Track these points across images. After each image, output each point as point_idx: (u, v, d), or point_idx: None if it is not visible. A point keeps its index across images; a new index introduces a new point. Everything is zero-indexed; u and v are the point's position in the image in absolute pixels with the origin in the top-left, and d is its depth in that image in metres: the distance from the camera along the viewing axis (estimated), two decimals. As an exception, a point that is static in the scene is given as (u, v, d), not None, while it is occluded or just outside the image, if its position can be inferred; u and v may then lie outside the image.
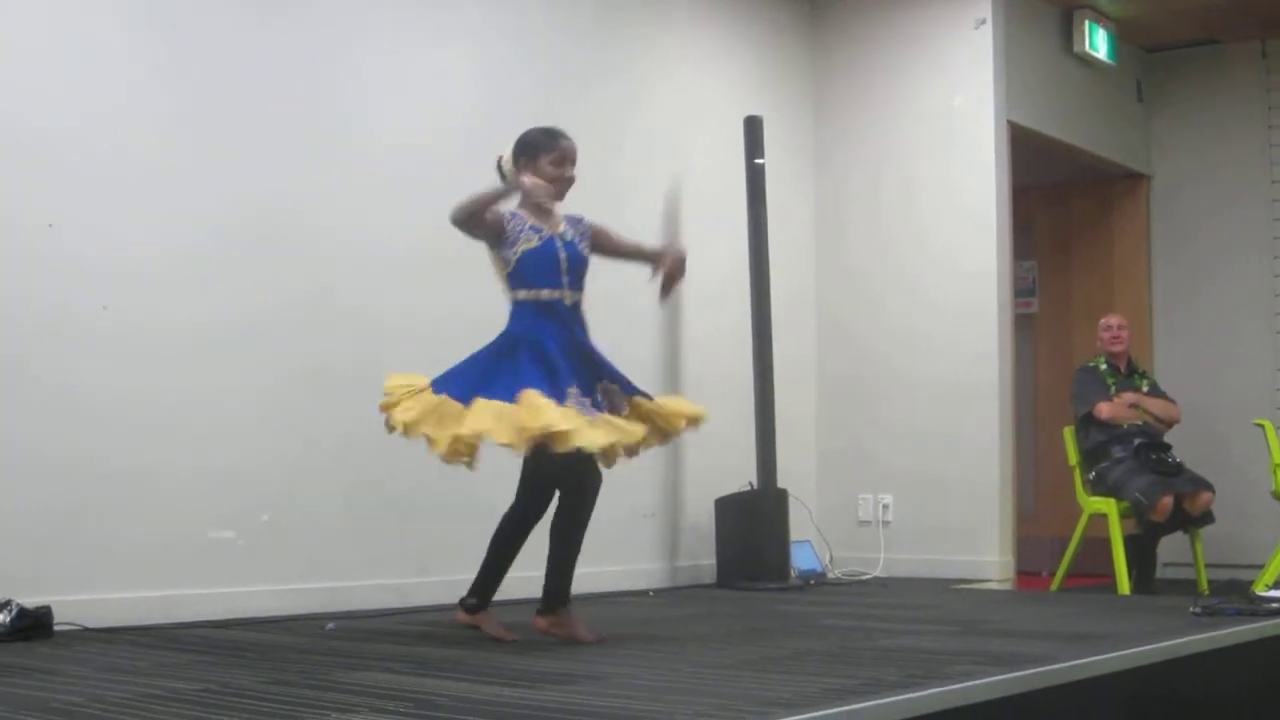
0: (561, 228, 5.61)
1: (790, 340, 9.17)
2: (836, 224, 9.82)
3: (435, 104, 7.24)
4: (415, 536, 6.93)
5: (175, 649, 5.12)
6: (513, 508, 5.67)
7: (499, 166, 5.66)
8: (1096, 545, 8.83)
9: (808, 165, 9.85)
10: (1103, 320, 9.54)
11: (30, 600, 5.35)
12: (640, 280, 8.33)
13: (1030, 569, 9.86)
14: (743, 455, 8.52)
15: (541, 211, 5.58)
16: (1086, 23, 10.10)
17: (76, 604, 5.58)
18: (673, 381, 8.53)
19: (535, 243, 5.50)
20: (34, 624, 5.30)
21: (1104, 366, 9.36)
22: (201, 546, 6.21)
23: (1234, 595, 6.74)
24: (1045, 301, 11.41)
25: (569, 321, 5.51)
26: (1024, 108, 9.62)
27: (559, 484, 5.56)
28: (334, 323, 6.70)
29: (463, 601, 5.69)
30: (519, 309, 5.49)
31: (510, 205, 5.55)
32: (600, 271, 8.08)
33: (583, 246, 5.66)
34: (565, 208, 5.69)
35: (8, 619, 5.24)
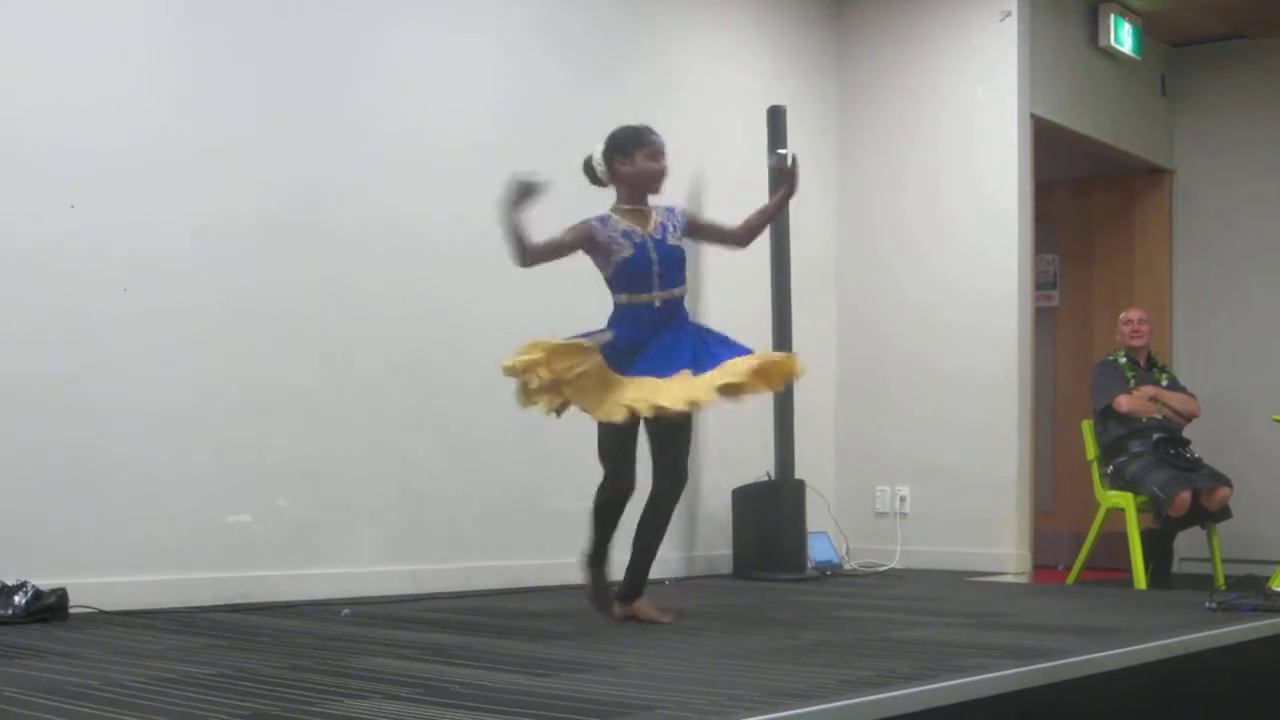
0: (653, 225, 5.71)
1: (810, 331, 9.16)
2: (859, 214, 9.81)
3: (461, 91, 7.24)
4: (430, 524, 6.94)
5: (190, 633, 5.13)
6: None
7: (588, 167, 5.78)
8: (1114, 539, 8.82)
9: (831, 156, 9.84)
10: (1123, 314, 9.52)
11: (46, 583, 5.36)
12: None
13: (1047, 562, 9.85)
14: (760, 446, 8.51)
15: (635, 210, 5.71)
16: (1112, 16, 10.07)
17: (92, 587, 5.60)
18: (691, 371, 8.52)
19: (629, 252, 5.63)
20: (49, 606, 5.31)
21: (1123, 360, 9.33)
22: (218, 530, 6.22)
23: (1250, 591, 6.74)
24: (1066, 295, 11.38)
25: (656, 324, 5.62)
26: (1048, 101, 9.59)
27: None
28: (358, 309, 6.71)
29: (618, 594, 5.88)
30: (615, 310, 5.70)
31: (601, 210, 5.72)
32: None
33: (675, 239, 5.74)
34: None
35: (23, 601, 5.25)
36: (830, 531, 8.97)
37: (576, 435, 5.94)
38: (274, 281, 6.39)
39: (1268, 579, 7.99)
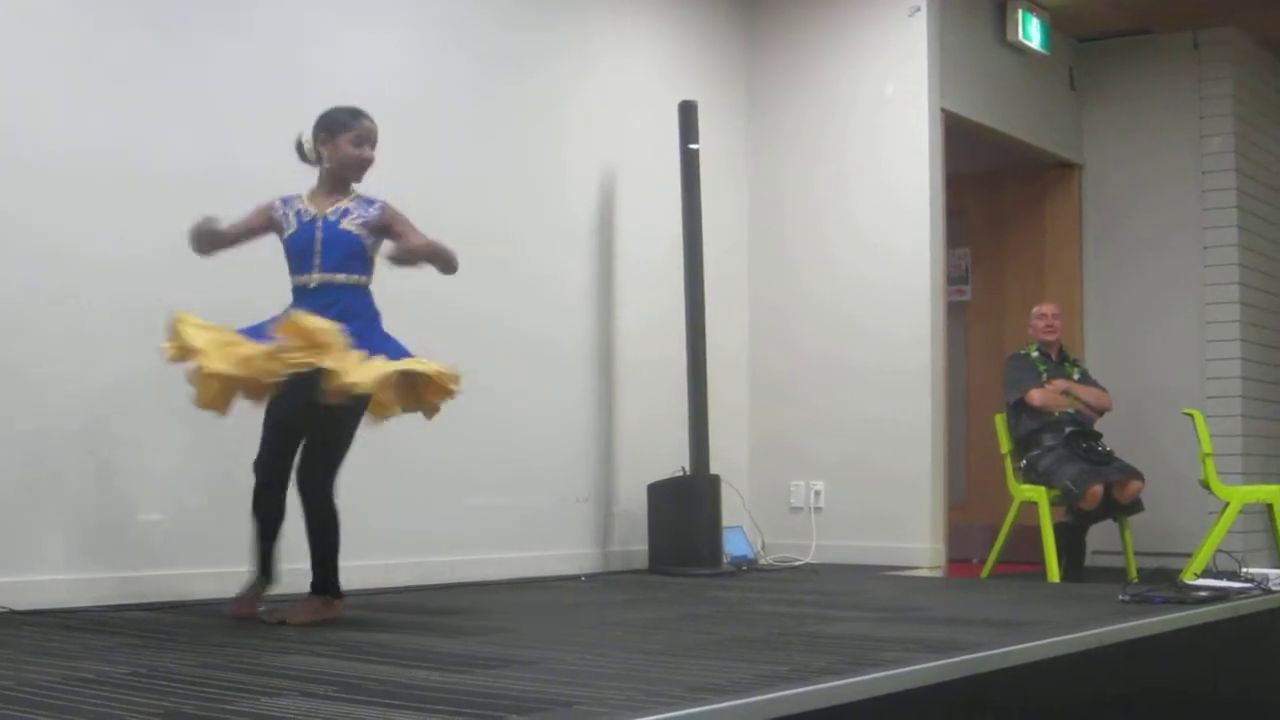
0: (332, 209, 5.54)
1: (723, 326, 9.18)
2: (770, 210, 9.83)
3: (368, 91, 7.18)
4: (348, 520, 6.90)
5: (104, 632, 5.08)
6: None
7: (299, 146, 5.63)
8: (1027, 533, 8.88)
9: (741, 152, 9.86)
10: (1036, 309, 9.58)
11: (-44, 583, 5.31)
12: (571, 264, 8.38)
13: (961, 556, 9.90)
14: (676, 441, 8.52)
15: (331, 190, 5.57)
16: (1020, 11, 10.14)
17: (3, 586, 5.54)
18: (606, 367, 8.54)
19: (293, 229, 5.53)
20: (-40, 607, 5.26)
21: (1035, 354, 9.40)
22: (130, 529, 6.17)
23: (1163, 583, 6.79)
24: (978, 289, 11.46)
25: (313, 306, 5.37)
26: (957, 96, 9.65)
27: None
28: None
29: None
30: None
31: (287, 192, 5.61)
32: (536, 253, 8.10)
33: (352, 226, 5.52)
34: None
35: (-67, 601, 5.20)
36: (745, 526, 9.00)
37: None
38: (177, 280, 6.33)
39: (1179, 571, 8.05)
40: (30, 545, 5.81)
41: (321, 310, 5.32)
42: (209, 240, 5.51)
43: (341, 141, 5.54)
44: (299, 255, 5.49)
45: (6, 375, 5.75)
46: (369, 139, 5.58)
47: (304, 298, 5.43)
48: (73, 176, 6.02)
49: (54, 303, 5.92)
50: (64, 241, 5.95)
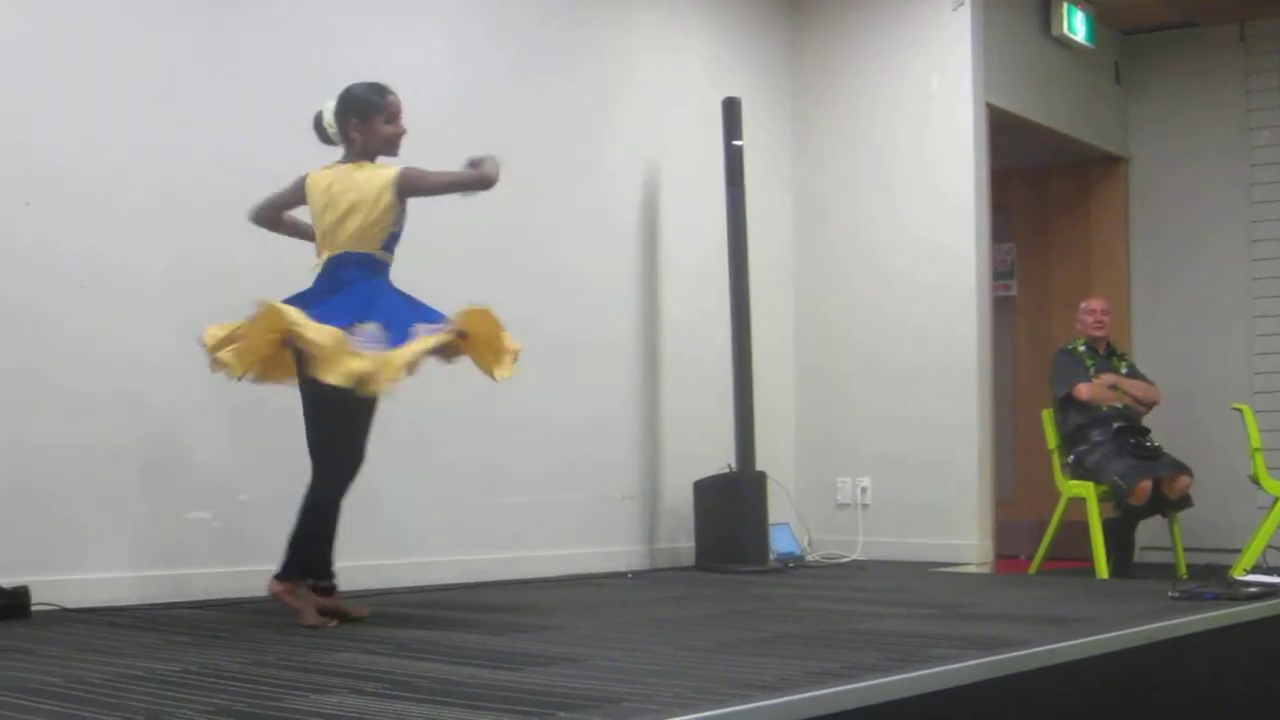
0: None
1: (769, 323, 9.18)
2: (814, 206, 9.82)
3: (408, 87, 7.18)
4: (388, 519, 6.91)
5: (153, 630, 5.10)
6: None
7: (318, 124, 5.57)
8: (1075, 529, 8.85)
9: (786, 148, 9.85)
10: (1084, 303, 9.53)
11: (7, 580, 5.33)
12: (615, 262, 8.38)
13: (1009, 552, 9.87)
14: (722, 438, 8.51)
15: (359, 167, 5.52)
16: (1065, 5, 10.10)
17: (54, 584, 5.57)
18: (651, 365, 8.54)
19: None
20: (11, 604, 5.28)
21: (1083, 348, 9.35)
22: (178, 527, 6.19)
23: (1212, 579, 6.76)
24: (1024, 285, 11.42)
25: (348, 277, 5.36)
26: (1002, 90, 9.62)
27: None
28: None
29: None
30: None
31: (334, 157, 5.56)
32: (580, 250, 8.10)
33: None
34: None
35: (-15, 599, 5.23)
36: (792, 523, 8.98)
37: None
38: (225, 279, 6.34)
39: (1229, 567, 8.02)
40: (79, 544, 5.84)
41: (358, 283, 5.34)
42: (265, 213, 5.57)
43: (377, 123, 5.51)
44: None
45: (55, 380, 5.79)
46: (398, 112, 5.58)
47: (337, 265, 5.40)
48: (116, 183, 6.05)
49: (100, 308, 5.95)
50: (108, 248, 5.98)
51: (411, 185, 5.46)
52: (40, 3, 5.89)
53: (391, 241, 5.45)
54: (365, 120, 5.50)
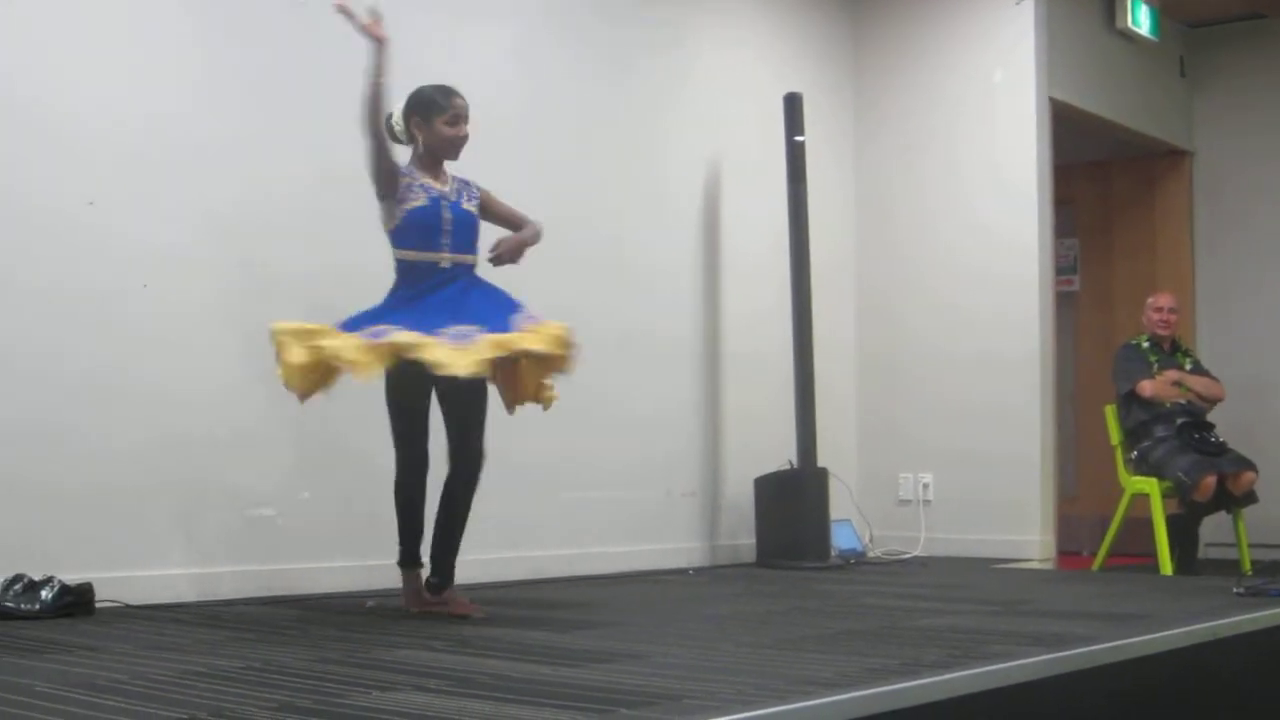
0: (449, 188, 5.55)
1: (830, 318, 9.17)
2: (877, 201, 9.80)
3: (472, 80, 7.20)
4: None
5: (215, 626, 5.13)
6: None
7: (388, 125, 5.55)
8: (1138, 525, 8.80)
9: (848, 142, 9.83)
10: (1152, 300, 9.43)
11: (72, 577, 5.37)
12: (676, 258, 8.39)
13: (1071, 549, 9.84)
14: (782, 434, 8.51)
15: (432, 169, 5.54)
16: (1129, -2, 10.07)
17: (118, 581, 5.61)
18: (712, 358, 8.54)
19: (422, 201, 5.45)
20: (76, 601, 5.32)
21: (1146, 344, 9.29)
22: (242, 524, 6.22)
23: (1277, 575, 6.72)
24: (1086, 280, 11.36)
25: (440, 285, 5.39)
26: (1065, 84, 9.57)
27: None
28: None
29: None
30: (398, 267, 5.46)
31: (404, 160, 5.54)
32: (641, 247, 8.11)
33: (471, 207, 5.57)
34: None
35: (50, 596, 5.25)
36: (853, 519, 8.96)
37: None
38: (292, 274, 6.37)
39: (1294, 563, 7.98)
40: (143, 541, 5.88)
41: (448, 286, 5.38)
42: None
43: (438, 123, 5.51)
44: (424, 231, 5.42)
45: (118, 379, 5.83)
46: (463, 116, 5.56)
47: (429, 274, 5.40)
48: (184, 183, 6.09)
49: (161, 307, 5.99)
50: (173, 246, 6.02)
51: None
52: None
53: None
54: (427, 120, 5.51)
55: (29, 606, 5.20)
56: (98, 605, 5.42)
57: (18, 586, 5.27)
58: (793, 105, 8.71)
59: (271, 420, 6.26)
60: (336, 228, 6.40)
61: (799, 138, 8.66)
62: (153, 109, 6.03)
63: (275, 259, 6.32)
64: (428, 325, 5.16)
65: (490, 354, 5.12)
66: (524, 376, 5.45)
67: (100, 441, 5.77)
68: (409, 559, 5.62)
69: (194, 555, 6.04)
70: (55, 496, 5.61)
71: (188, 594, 5.89)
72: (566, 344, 5.37)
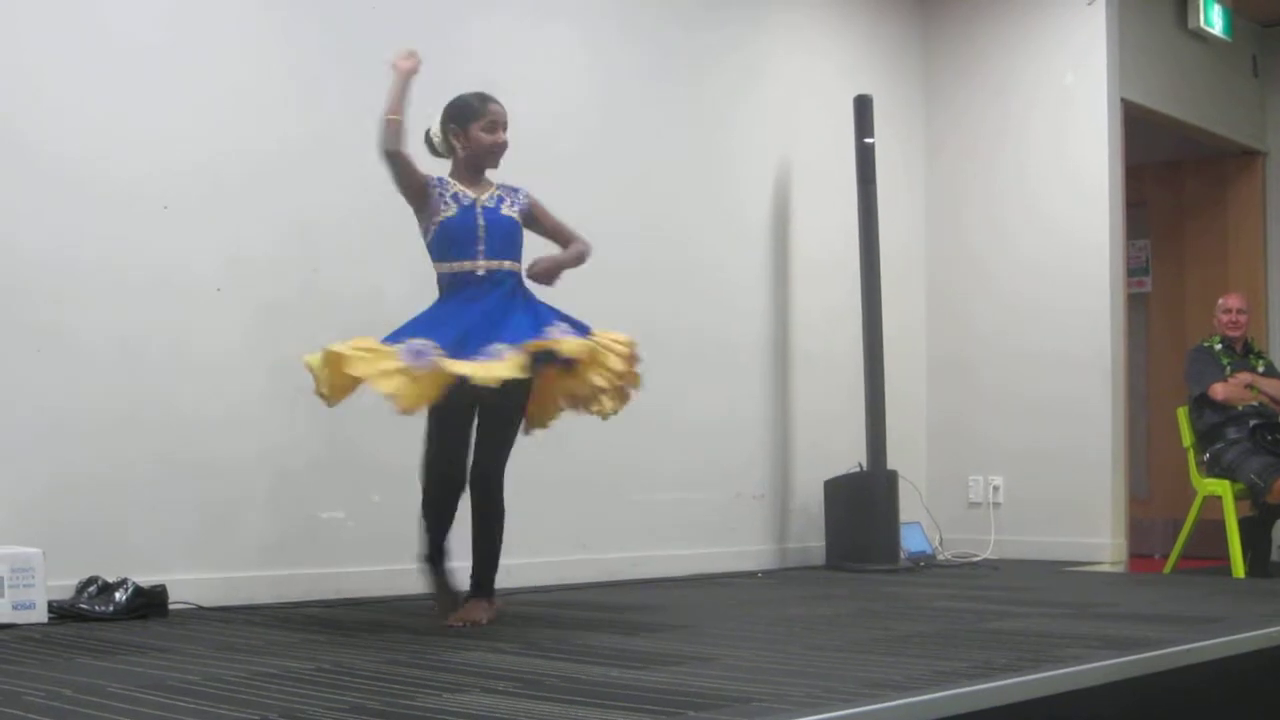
0: (487, 195, 5.45)
1: (899, 319, 9.16)
2: (949, 202, 9.77)
3: (545, 82, 7.24)
4: (517, 519, 6.94)
5: (287, 628, 5.16)
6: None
7: (427, 138, 5.54)
8: (1211, 527, 8.73)
9: (918, 144, 9.81)
10: (1221, 301, 9.38)
11: (145, 579, 5.41)
12: (746, 261, 8.38)
13: (1143, 551, 9.79)
14: (852, 435, 8.50)
15: (472, 177, 5.48)
16: (1201, -2, 10.01)
17: (190, 583, 5.66)
18: (781, 361, 8.54)
19: (452, 212, 5.37)
20: (149, 602, 5.37)
21: (1219, 346, 9.22)
22: (313, 527, 6.26)
23: (1351, 579, 6.67)
24: (1158, 281, 11.29)
25: (481, 295, 5.30)
26: (1137, 85, 9.52)
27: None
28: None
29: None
30: (439, 279, 5.41)
31: (441, 171, 5.49)
32: (711, 250, 8.11)
33: (512, 213, 5.46)
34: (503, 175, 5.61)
35: (124, 597, 5.30)
36: (923, 522, 8.94)
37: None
38: (367, 281, 6.41)
39: (1368, 566, 7.90)
40: (215, 544, 5.93)
41: (488, 295, 5.29)
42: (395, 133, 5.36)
43: (474, 129, 5.44)
44: (459, 241, 5.35)
45: (195, 385, 5.89)
46: (501, 122, 5.48)
47: (467, 284, 5.33)
48: (225, 198, 6.14)
49: (235, 315, 6.04)
50: (246, 252, 6.07)
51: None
52: (179, 6, 5.98)
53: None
54: (464, 126, 5.45)
55: (103, 609, 5.26)
56: (171, 607, 5.47)
57: (92, 589, 5.33)
58: (863, 107, 8.69)
59: (345, 425, 6.28)
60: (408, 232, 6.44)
61: (869, 139, 8.65)
62: (209, 131, 6.09)
63: (350, 262, 6.35)
64: (464, 347, 5.07)
65: (520, 362, 5.04)
66: (549, 390, 5.42)
67: (174, 448, 5.81)
68: (434, 558, 5.55)
69: (266, 558, 6.08)
70: (131, 500, 5.66)
71: (260, 596, 5.93)
72: (632, 358, 5.37)
